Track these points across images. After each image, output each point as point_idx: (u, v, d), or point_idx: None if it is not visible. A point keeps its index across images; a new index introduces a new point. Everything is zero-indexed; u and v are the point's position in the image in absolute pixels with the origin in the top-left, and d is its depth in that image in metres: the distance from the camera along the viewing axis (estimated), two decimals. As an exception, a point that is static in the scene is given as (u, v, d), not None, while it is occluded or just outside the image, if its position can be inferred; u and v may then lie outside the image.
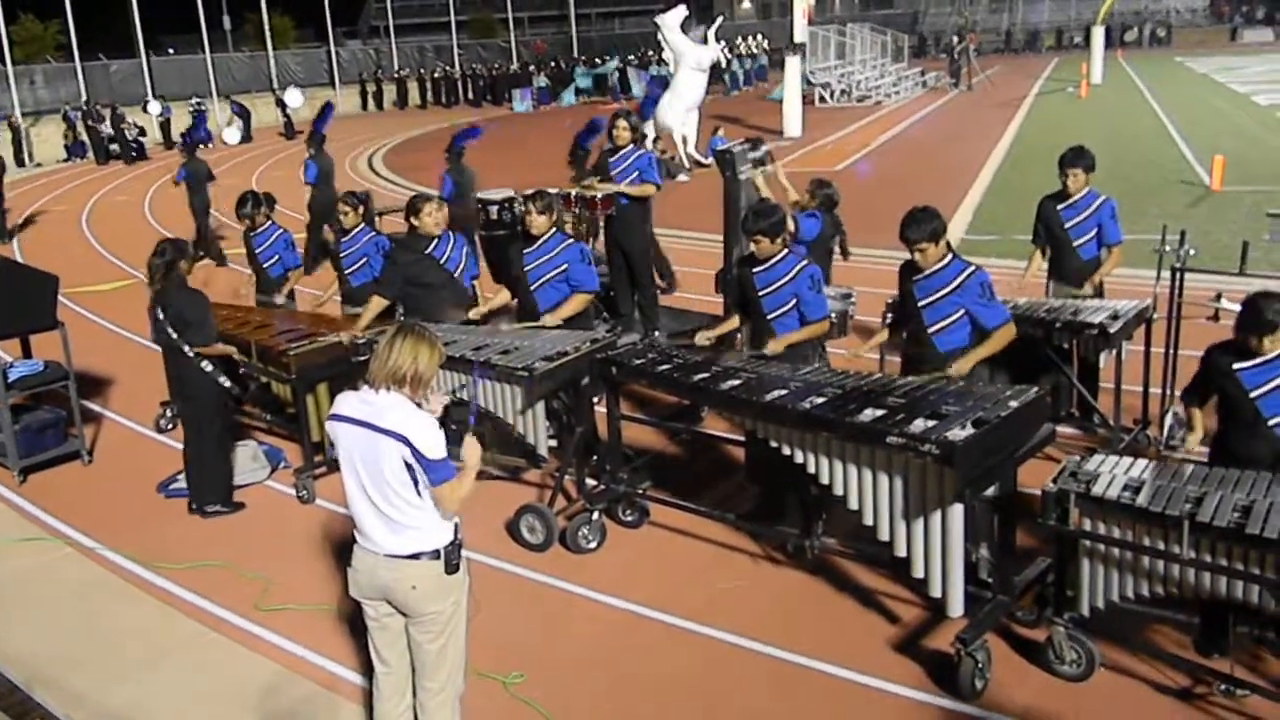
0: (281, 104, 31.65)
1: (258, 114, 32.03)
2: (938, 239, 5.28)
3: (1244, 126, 20.99)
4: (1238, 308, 4.49)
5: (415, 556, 3.67)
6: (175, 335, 6.11)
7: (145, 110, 30.70)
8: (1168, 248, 6.61)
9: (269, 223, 8.16)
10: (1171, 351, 6.45)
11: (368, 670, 4.09)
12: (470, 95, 40.98)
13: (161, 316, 6.12)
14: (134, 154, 27.50)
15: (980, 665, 4.35)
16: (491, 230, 9.91)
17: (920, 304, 5.40)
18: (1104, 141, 12.37)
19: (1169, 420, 6.37)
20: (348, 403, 3.72)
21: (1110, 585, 4.19)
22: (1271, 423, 4.35)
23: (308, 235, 11.71)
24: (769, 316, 5.72)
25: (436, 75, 41.54)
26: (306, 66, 41.53)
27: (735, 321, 6.13)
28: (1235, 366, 4.41)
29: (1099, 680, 4.40)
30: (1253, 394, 4.37)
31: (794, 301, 5.65)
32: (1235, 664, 4.29)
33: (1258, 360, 4.35)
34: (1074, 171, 6.73)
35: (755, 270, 5.75)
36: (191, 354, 6.12)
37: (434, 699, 3.84)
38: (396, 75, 41.79)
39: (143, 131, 28.57)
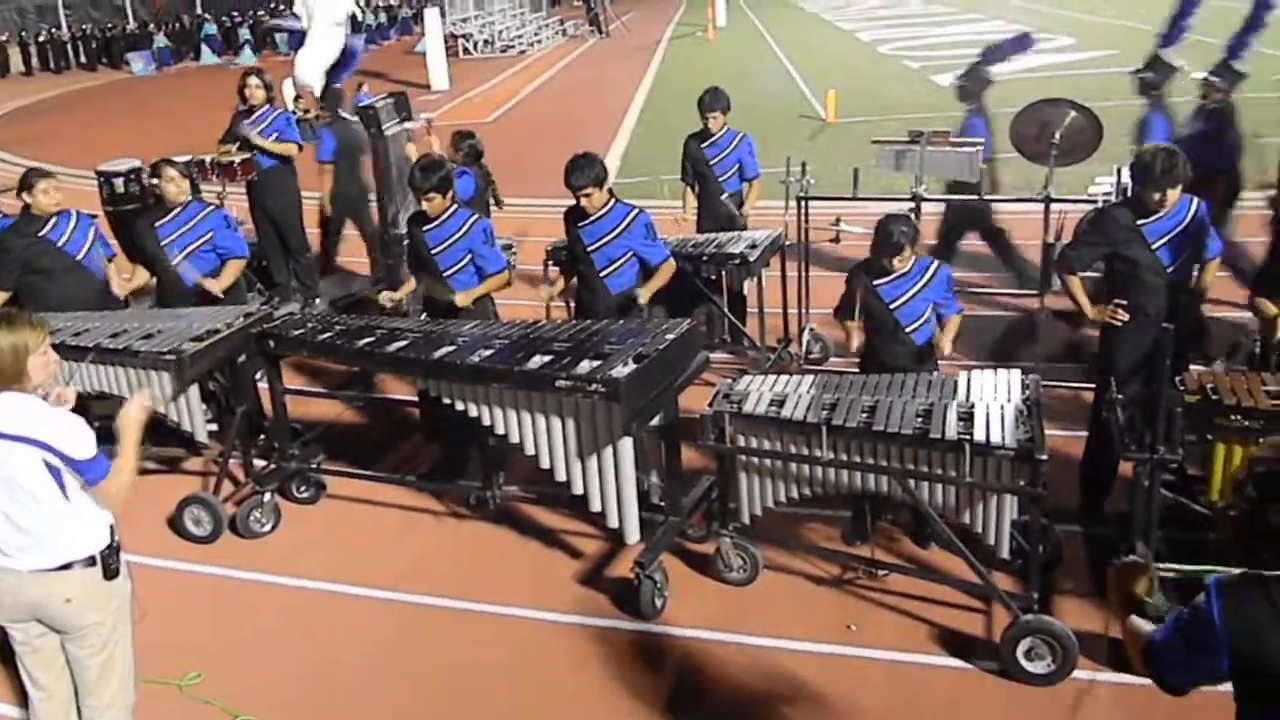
0: None
1: None
2: (601, 184, 5.45)
3: (852, 62, 23.01)
4: (855, 229, 4.97)
5: (66, 567, 3.37)
6: None
7: None
8: (793, 179, 7.17)
9: None
10: (803, 273, 7.03)
11: (23, 700, 3.72)
12: (83, 59, 36.96)
13: None
14: None
15: (659, 584, 4.62)
16: (119, 205, 9.09)
17: (589, 249, 5.55)
18: (733, 81, 13.11)
19: (807, 336, 6.98)
20: (-44, 413, 3.31)
21: (766, 493, 4.58)
22: (909, 329, 4.89)
23: None
24: (446, 274, 5.65)
25: (41, 38, 37.05)
26: (-121, 30, 35.64)
27: (413, 283, 5.98)
28: (875, 283, 4.89)
29: (764, 581, 4.81)
30: (891, 305, 4.87)
31: (468, 257, 5.61)
32: (876, 549, 4.83)
33: (893, 276, 4.85)
34: (713, 114, 7.18)
35: (426, 229, 5.64)
36: None
37: (102, 716, 3.56)
38: (-8, 39, 36.88)
39: None
